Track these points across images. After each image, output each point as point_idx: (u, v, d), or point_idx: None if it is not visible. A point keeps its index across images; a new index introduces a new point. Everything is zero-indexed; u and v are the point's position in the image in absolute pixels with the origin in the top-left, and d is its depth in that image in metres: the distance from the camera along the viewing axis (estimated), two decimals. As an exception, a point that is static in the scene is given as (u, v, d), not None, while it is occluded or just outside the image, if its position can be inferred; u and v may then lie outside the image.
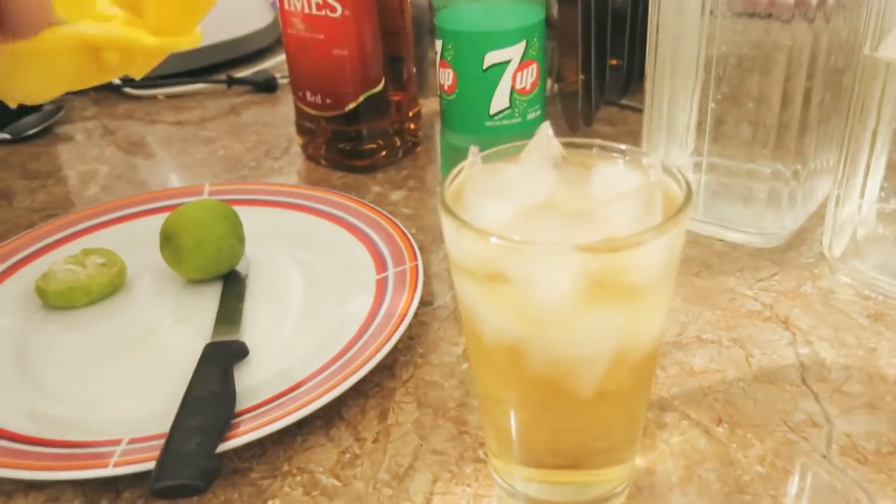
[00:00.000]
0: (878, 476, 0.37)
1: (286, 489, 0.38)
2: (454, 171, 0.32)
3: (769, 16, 0.48)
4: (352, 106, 0.64)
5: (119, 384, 0.45)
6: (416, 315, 0.47)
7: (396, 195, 0.64)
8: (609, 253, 0.27)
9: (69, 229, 0.56)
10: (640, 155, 0.32)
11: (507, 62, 0.52)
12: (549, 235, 0.28)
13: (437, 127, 0.75)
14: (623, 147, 0.33)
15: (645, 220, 0.28)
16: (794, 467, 0.37)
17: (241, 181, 0.67)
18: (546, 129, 0.33)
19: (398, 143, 0.69)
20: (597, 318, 0.28)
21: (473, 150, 0.33)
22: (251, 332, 0.48)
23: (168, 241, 0.50)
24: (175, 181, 0.71)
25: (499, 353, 0.31)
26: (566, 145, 0.33)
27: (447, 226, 0.30)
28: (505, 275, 0.28)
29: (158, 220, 0.52)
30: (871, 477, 0.37)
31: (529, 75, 0.53)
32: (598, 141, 0.33)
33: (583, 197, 0.31)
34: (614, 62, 0.72)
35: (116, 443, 0.38)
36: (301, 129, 0.71)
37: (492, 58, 0.52)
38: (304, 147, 0.71)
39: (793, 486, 0.36)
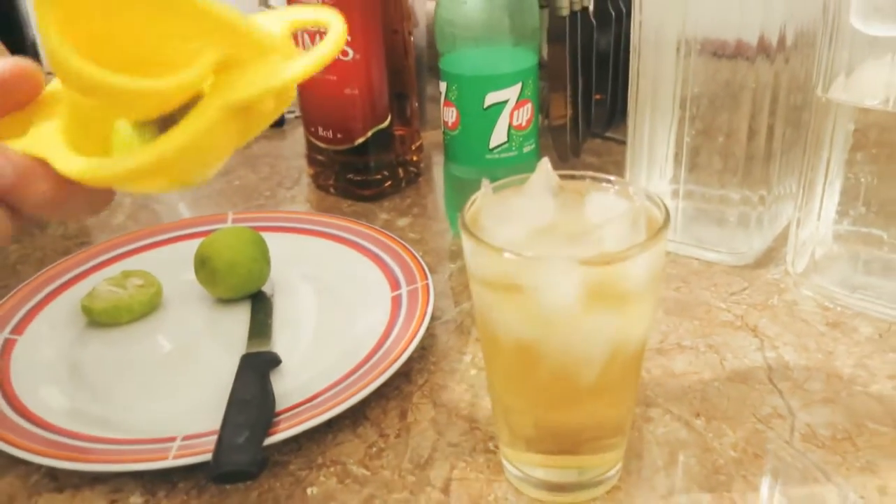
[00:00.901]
0: (833, 458, 0.43)
1: (322, 478, 0.43)
2: (471, 200, 0.38)
3: (736, 56, 0.54)
4: (361, 140, 0.71)
5: (166, 391, 0.50)
6: (426, 328, 0.53)
7: (403, 221, 0.70)
8: (604, 266, 0.33)
9: (108, 254, 0.62)
10: (626, 185, 0.38)
11: (506, 101, 0.59)
12: (553, 252, 0.34)
13: (436, 158, 0.81)
14: (612, 178, 0.39)
15: (632, 238, 0.34)
16: (763, 452, 0.43)
17: (260, 209, 0.73)
18: (545, 163, 0.39)
19: (402, 173, 0.75)
20: (595, 319, 0.34)
21: (485, 182, 0.39)
22: (280, 344, 0.53)
23: (203, 264, 0.56)
24: (197, 210, 0.77)
25: (512, 352, 0.37)
26: (563, 177, 0.39)
27: (468, 244, 0.36)
28: (518, 284, 0.34)
29: (189, 245, 0.58)
30: (827, 459, 0.42)
31: (525, 113, 0.60)
32: (590, 173, 0.40)
33: (579, 220, 0.38)
34: (598, 97, 0.78)
35: (172, 439, 0.43)
36: (312, 161, 0.77)
37: (492, 98, 0.58)
38: (315, 177, 0.77)
39: (762, 468, 0.42)
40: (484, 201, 0.38)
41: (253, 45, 0.30)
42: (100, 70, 0.27)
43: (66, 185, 0.32)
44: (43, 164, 0.31)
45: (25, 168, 0.32)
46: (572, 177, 0.40)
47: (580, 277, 0.33)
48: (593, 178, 0.40)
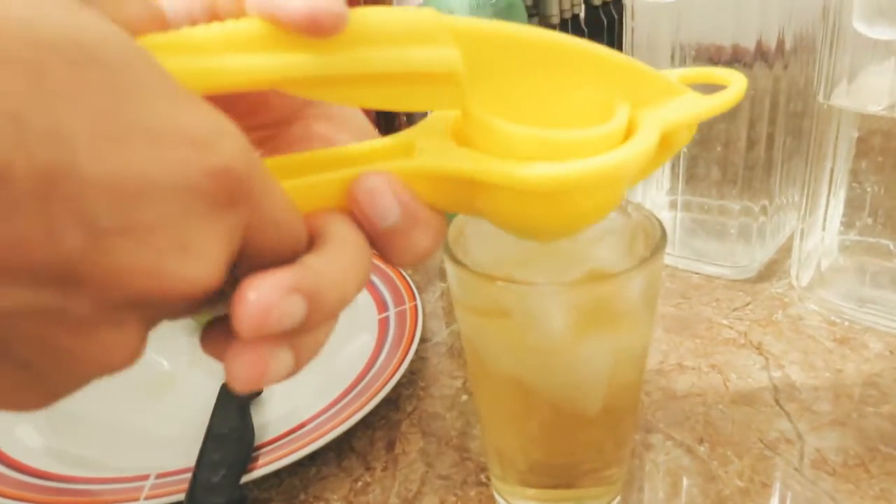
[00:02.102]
0: (846, 486, 0.40)
1: (304, 516, 0.41)
2: (456, 220, 0.36)
3: (733, 62, 0.52)
4: (347, 155, 0.68)
5: (141, 423, 0.48)
6: (416, 351, 0.50)
7: (391, 238, 0.68)
8: (599, 287, 0.31)
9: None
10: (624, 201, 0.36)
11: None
12: (545, 274, 0.32)
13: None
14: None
15: (628, 256, 0.32)
16: (771, 481, 0.41)
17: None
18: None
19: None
20: (591, 343, 0.32)
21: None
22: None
23: None
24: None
25: (504, 383, 0.34)
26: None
27: (451, 269, 0.33)
28: (507, 310, 0.32)
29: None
30: (840, 487, 0.40)
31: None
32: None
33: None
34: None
35: (145, 478, 0.41)
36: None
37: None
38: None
39: (770, 499, 0.40)
40: (468, 219, 0.36)
41: (661, 85, 0.28)
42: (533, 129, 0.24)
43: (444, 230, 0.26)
44: (428, 210, 0.25)
45: (416, 211, 0.24)
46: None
47: (573, 301, 0.31)
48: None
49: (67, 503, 0.40)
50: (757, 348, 0.51)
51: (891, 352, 0.49)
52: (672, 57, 0.54)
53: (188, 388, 0.50)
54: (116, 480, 0.41)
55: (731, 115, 0.53)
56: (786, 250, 0.60)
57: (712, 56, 0.53)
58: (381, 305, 0.54)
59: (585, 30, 0.70)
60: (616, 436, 0.37)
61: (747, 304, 0.55)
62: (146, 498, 0.39)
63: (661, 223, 0.33)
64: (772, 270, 0.59)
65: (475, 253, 0.34)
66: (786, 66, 0.51)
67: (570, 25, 0.68)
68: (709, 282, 0.58)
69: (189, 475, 0.40)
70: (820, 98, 0.48)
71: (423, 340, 0.54)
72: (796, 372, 0.48)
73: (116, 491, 0.40)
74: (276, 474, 0.43)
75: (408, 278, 0.56)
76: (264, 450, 0.43)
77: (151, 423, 0.48)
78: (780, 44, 0.50)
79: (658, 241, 0.33)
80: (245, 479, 0.40)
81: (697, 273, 0.59)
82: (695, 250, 0.58)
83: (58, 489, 0.41)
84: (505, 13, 0.55)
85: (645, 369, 0.37)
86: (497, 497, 0.40)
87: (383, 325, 0.52)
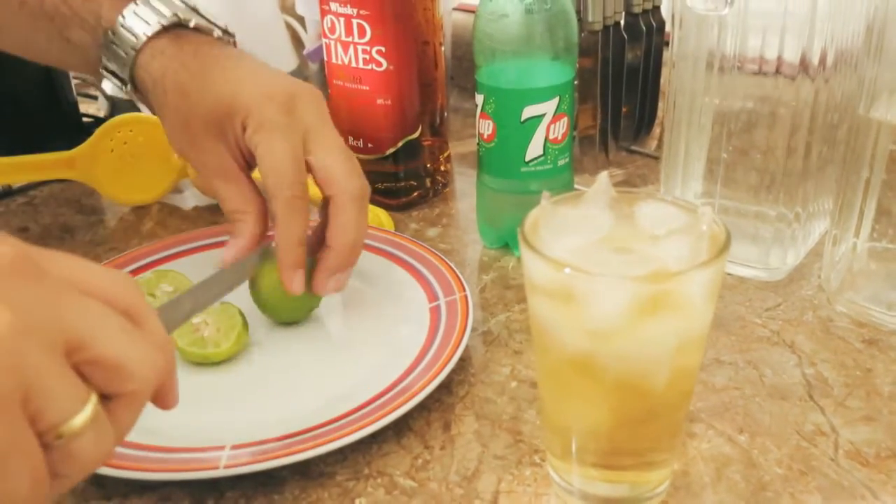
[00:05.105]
0: (879, 476, 0.43)
1: (370, 489, 0.44)
2: (531, 213, 0.38)
3: (776, 73, 0.54)
4: (391, 150, 0.71)
5: (215, 400, 0.50)
6: (466, 339, 0.53)
7: (432, 231, 0.70)
8: (666, 282, 0.34)
9: (140, 261, 0.61)
10: (689, 202, 0.39)
11: (543, 115, 0.59)
12: (613, 266, 0.35)
13: (459, 169, 0.82)
14: (669, 198, 0.40)
15: (695, 254, 0.35)
16: (808, 469, 0.44)
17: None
18: (605, 177, 0.39)
19: (430, 183, 0.75)
20: (656, 328, 0.35)
21: (545, 194, 0.39)
22: (322, 355, 0.54)
23: (254, 286, 0.54)
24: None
25: (569, 362, 0.37)
26: (621, 192, 0.39)
27: (527, 255, 0.36)
28: (576, 296, 0.35)
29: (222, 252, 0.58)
30: (873, 477, 0.43)
31: (561, 127, 0.60)
32: (648, 190, 0.40)
33: (637, 234, 0.38)
34: (625, 111, 0.79)
35: (221, 448, 0.44)
36: (339, 170, 0.77)
37: (529, 111, 0.59)
38: (342, 186, 0.77)
39: (808, 485, 0.43)
40: (543, 213, 0.39)
41: None
42: None
43: None
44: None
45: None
46: (632, 193, 0.40)
47: (641, 292, 0.34)
48: (649, 196, 0.40)
49: (144, 469, 0.42)
50: (790, 346, 0.54)
51: (918, 353, 0.52)
52: (716, 66, 0.56)
53: (259, 369, 0.53)
54: (193, 450, 0.44)
55: (771, 124, 0.55)
56: (814, 254, 0.62)
57: (755, 67, 0.55)
58: (432, 295, 0.57)
59: (626, 36, 0.72)
60: (672, 421, 0.40)
61: (779, 305, 0.58)
62: (225, 467, 0.42)
63: (727, 228, 0.36)
64: (801, 273, 0.61)
65: (548, 242, 0.36)
66: (826, 80, 0.54)
67: (611, 32, 0.70)
68: (741, 283, 0.61)
69: (262, 447, 0.43)
70: (861, 110, 0.51)
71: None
72: (828, 369, 0.51)
73: (193, 460, 0.43)
74: (341, 451, 0.45)
75: (455, 269, 0.58)
76: (329, 427, 0.45)
77: (224, 400, 0.50)
78: (823, 58, 0.52)
79: (723, 244, 0.35)
80: (313, 453, 0.43)
81: (731, 274, 0.61)
82: (729, 253, 0.61)
83: (133, 456, 0.43)
84: (557, 19, 0.57)
85: (703, 357, 0.40)
86: (553, 476, 0.42)
87: (435, 313, 0.55)
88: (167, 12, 0.52)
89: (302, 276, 0.51)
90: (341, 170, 0.51)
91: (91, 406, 0.27)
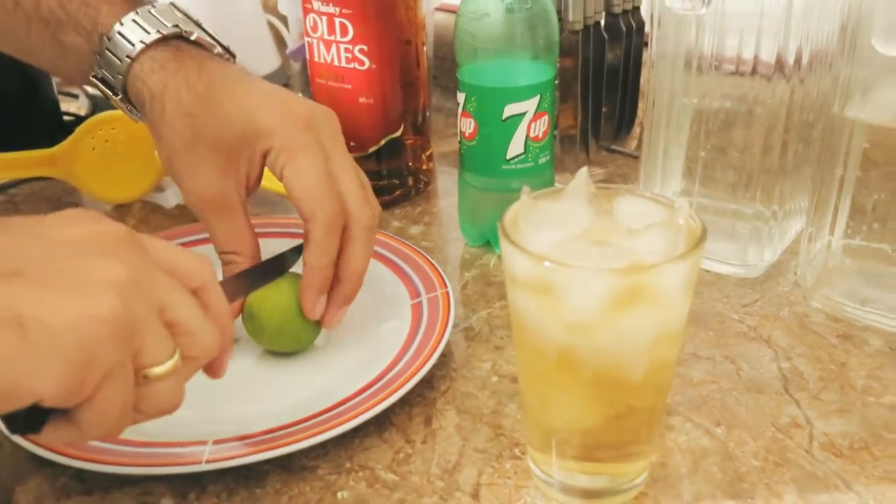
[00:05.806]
0: (852, 467, 0.44)
1: (351, 483, 0.44)
2: (511, 208, 0.39)
3: (753, 73, 0.55)
4: (374, 148, 0.71)
5: (198, 396, 0.50)
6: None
7: (415, 229, 0.71)
8: (644, 274, 0.34)
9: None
10: (667, 198, 0.40)
11: (524, 114, 0.59)
12: (592, 257, 0.36)
13: (441, 167, 0.82)
14: (647, 194, 0.40)
15: (671, 248, 0.35)
16: (784, 461, 0.44)
17: (273, 215, 0.73)
18: (584, 172, 0.40)
19: (412, 182, 0.76)
20: (634, 319, 0.35)
21: (525, 189, 0.39)
22: (307, 350, 0.54)
23: (252, 318, 0.52)
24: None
25: (549, 354, 0.37)
26: (600, 188, 0.40)
27: (506, 249, 0.36)
28: (555, 289, 0.35)
29: (206, 248, 0.58)
30: (847, 468, 0.44)
31: (542, 125, 0.61)
32: (627, 186, 0.41)
33: (617, 227, 0.39)
34: (605, 110, 0.80)
35: (204, 443, 0.44)
36: (322, 169, 0.77)
37: (510, 110, 0.59)
38: (325, 185, 0.77)
39: (783, 476, 0.43)
40: (523, 208, 0.39)
41: None
42: None
43: None
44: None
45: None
46: (610, 188, 0.41)
47: (618, 284, 0.34)
48: (629, 191, 0.41)
49: (126, 463, 0.42)
50: (766, 341, 0.54)
51: (891, 348, 0.53)
52: (694, 66, 0.57)
53: (242, 365, 0.53)
54: (175, 445, 0.44)
55: (748, 123, 0.56)
56: (791, 252, 0.63)
57: (733, 67, 0.56)
58: (414, 292, 0.57)
59: (606, 36, 0.73)
60: (651, 414, 0.40)
61: (756, 301, 0.59)
62: (207, 461, 0.42)
63: (703, 223, 0.36)
64: (778, 270, 0.62)
65: (528, 236, 0.37)
66: (802, 80, 0.55)
67: (592, 32, 0.71)
68: (719, 279, 0.61)
69: (244, 442, 0.43)
70: (835, 109, 0.52)
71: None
72: (803, 364, 0.52)
73: (176, 455, 0.43)
74: (323, 445, 0.46)
75: (437, 266, 0.59)
76: (310, 422, 0.45)
77: (206, 396, 0.50)
78: (798, 58, 0.53)
79: (699, 237, 0.36)
80: (295, 447, 0.43)
81: (709, 271, 0.62)
82: (707, 249, 0.61)
83: (114, 451, 0.43)
84: (538, 18, 0.58)
85: (679, 350, 0.40)
86: (534, 468, 0.43)
87: (416, 310, 0.55)
88: (168, 23, 0.51)
89: (324, 301, 0.50)
90: (355, 199, 0.49)
91: (175, 358, 0.32)
